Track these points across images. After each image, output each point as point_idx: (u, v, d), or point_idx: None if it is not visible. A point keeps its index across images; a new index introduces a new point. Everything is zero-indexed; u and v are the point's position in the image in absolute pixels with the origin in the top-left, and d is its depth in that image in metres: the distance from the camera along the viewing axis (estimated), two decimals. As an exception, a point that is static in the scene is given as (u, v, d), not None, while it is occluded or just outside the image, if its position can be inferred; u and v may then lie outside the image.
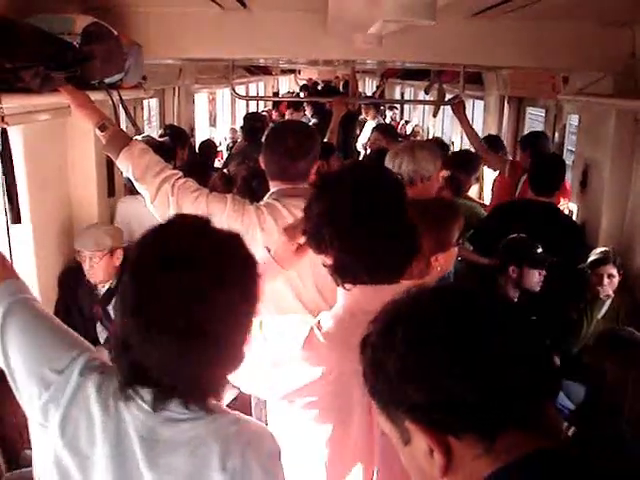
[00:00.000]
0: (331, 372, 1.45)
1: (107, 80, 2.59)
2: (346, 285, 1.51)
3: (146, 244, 1.17)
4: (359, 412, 1.48)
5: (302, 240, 1.60)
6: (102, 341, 3.21)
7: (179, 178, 2.25)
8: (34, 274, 3.05)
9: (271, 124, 5.39)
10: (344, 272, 1.50)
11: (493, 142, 4.76)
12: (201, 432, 1.18)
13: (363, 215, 1.46)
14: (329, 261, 1.50)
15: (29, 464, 1.93)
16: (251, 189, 3.02)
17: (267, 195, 2.36)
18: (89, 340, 3.18)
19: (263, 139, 2.44)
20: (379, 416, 0.92)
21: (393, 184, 1.58)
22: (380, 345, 0.89)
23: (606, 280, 3.20)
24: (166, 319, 1.09)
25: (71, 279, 3.23)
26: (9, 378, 1.27)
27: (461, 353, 0.82)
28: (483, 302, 0.89)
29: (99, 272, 3.13)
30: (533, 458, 0.80)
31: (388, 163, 2.91)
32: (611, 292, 3.21)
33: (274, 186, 2.35)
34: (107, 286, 3.19)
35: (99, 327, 3.21)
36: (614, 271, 3.21)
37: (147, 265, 1.13)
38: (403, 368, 0.84)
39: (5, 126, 1.91)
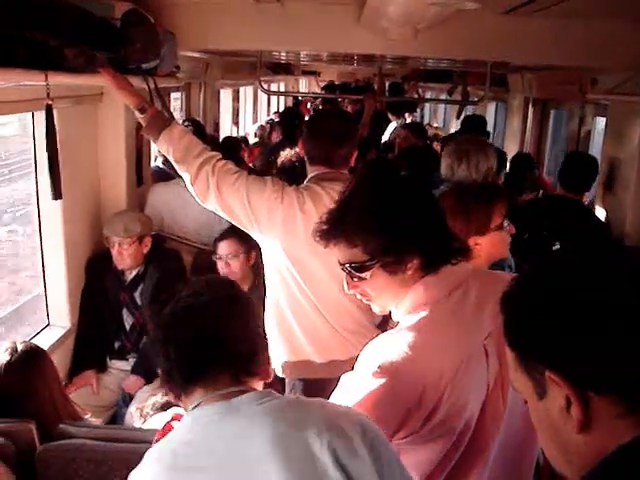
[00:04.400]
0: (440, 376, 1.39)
1: (143, 66, 2.63)
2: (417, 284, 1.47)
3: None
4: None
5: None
6: (128, 327, 3.24)
7: (219, 160, 2.27)
8: (63, 259, 3.08)
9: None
10: (429, 268, 1.47)
11: (522, 162, 4.70)
12: None
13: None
14: (410, 271, 1.45)
15: (65, 438, 1.95)
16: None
17: (307, 179, 2.38)
18: (115, 326, 3.24)
19: (305, 125, 2.46)
20: (512, 370, 0.91)
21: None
22: (531, 296, 0.88)
23: None
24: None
25: (99, 265, 3.26)
26: None
27: (621, 314, 0.80)
28: None
29: (127, 258, 3.16)
30: None
31: (455, 163, 2.95)
32: None
33: (315, 170, 2.36)
34: (134, 272, 3.22)
35: (125, 313, 3.24)
36: None
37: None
38: (555, 320, 0.83)
39: (50, 102, 1.94)
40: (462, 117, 5.99)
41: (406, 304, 1.48)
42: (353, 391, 1.41)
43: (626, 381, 0.79)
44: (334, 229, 1.46)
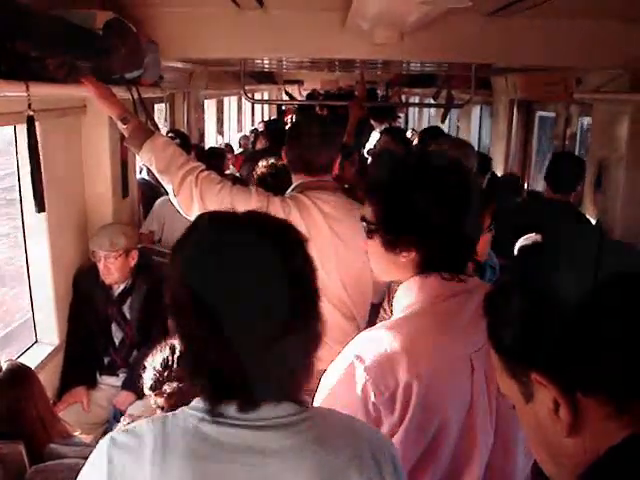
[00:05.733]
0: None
1: (127, 76, 2.59)
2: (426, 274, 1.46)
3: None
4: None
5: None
6: (117, 342, 3.19)
7: (203, 170, 2.24)
8: (49, 275, 3.03)
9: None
10: (425, 268, 1.46)
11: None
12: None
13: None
14: (403, 259, 1.45)
15: (55, 458, 1.90)
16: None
17: (291, 188, 2.34)
18: (104, 342, 3.18)
19: (287, 133, 2.43)
20: (498, 374, 0.89)
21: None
22: (517, 295, 0.85)
23: None
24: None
25: (86, 280, 3.21)
26: None
27: (607, 312, 0.78)
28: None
29: (114, 272, 3.11)
30: None
31: None
32: None
33: (298, 179, 2.33)
34: (122, 286, 3.17)
35: (114, 328, 3.18)
36: None
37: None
38: (539, 321, 0.81)
39: (32, 113, 1.89)
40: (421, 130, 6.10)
41: (400, 298, 1.49)
42: (329, 380, 1.41)
43: (615, 381, 0.77)
44: (369, 180, 1.52)
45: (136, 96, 2.62)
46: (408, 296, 1.47)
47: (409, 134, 8.95)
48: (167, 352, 1.86)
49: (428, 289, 1.45)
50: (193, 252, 1.02)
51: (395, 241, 1.43)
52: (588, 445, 0.79)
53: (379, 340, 1.40)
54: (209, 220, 1.08)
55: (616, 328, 0.77)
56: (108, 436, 1.04)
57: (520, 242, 3.05)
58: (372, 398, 1.36)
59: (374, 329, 1.51)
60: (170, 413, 1.05)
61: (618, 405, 0.77)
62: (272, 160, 3.38)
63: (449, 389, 1.39)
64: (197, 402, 1.03)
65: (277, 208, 2.21)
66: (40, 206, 1.99)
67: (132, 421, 2.12)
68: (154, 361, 1.85)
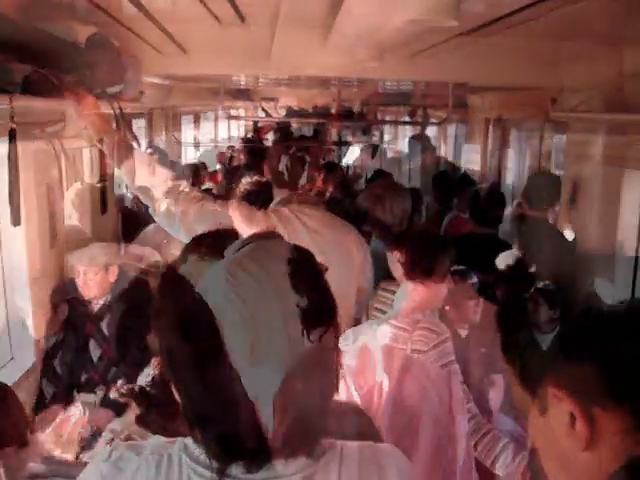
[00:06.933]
0: None
1: (108, 91, 2.59)
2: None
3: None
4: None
5: None
6: (95, 359, 3.14)
7: (184, 188, 2.25)
8: (27, 290, 2.98)
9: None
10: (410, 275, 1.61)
11: None
12: None
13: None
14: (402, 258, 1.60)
15: (35, 477, 1.86)
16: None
17: (274, 202, 2.36)
18: (82, 359, 3.13)
19: (270, 149, 2.46)
20: (512, 387, 0.90)
21: None
22: (530, 306, 0.87)
23: None
24: None
25: (64, 295, 3.17)
26: None
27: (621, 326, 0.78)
28: None
29: (93, 288, 3.08)
30: None
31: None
32: None
33: (281, 193, 2.35)
34: (101, 302, 3.14)
35: (92, 344, 3.14)
36: None
37: None
38: (560, 333, 0.82)
39: (14, 126, 1.88)
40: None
41: (397, 299, 1.66)
42: None
43: (633, 395, 0.76)
44: None
45: (117, 111, 2.61)
46: (402, 299, 1.59)
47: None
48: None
49: (417, 295, 1.54)
50: (209, 289, 0.87)
51: (385, 241, 1.65)
52: (604, 459, 0.78)
53: (362, 338, 1.51)
54: (208, 247, 0.97)
55: (630, 340, 0.77)
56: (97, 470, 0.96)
57: (500, 258, 3.09)
58: (352, 390, 1.45)
59: (358, 327, 1.64)
60: (165, 453, 0.94)
61: (636, 419, 0.76)
62: (256, 177, 3.38)
63: (422, 391, 1.49)
64: (194, 448, 0.92)
65: (259, 222, 2.22)
66: (16, 219, 1.97)
67: (114, 437, 2.09)
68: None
